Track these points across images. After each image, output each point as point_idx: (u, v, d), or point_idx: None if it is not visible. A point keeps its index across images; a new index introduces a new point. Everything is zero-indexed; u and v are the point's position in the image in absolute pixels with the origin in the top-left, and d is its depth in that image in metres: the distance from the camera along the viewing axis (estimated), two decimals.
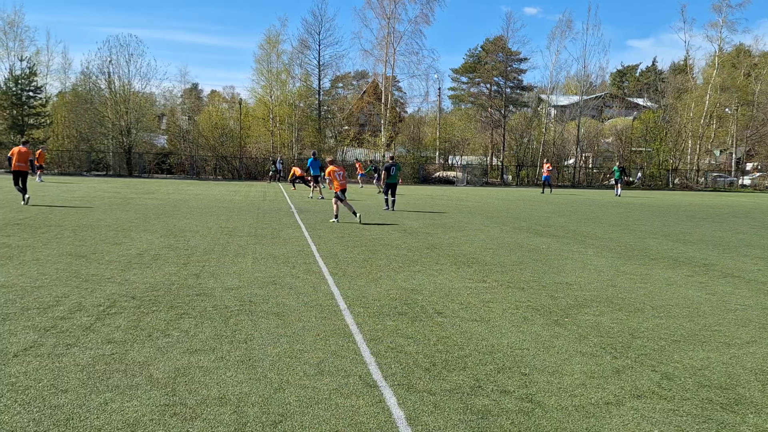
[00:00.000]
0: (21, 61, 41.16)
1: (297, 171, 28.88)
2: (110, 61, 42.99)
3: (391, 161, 18.10)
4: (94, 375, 4.05)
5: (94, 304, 5.90)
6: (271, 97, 47.16)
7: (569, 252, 10.67)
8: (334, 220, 14.52)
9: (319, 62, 48.95)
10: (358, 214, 14.61)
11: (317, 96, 49.61)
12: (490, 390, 4.03)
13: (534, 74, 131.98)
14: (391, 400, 3.80)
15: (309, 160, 24.29)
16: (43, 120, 41.67)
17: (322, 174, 21.76)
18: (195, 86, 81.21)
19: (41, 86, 42.46)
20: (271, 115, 46.98)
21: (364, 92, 54.39)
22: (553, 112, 54.85)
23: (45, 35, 73.33)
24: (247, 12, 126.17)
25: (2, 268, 7.48)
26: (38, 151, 30.66)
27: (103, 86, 44.15)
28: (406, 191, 30.73)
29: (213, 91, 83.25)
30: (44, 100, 42.63)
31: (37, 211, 14.37)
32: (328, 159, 16.06)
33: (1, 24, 41.64)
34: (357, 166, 37.52)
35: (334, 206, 14.66)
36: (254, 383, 4.01)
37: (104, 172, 43.09)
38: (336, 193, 14.82)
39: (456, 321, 5.75)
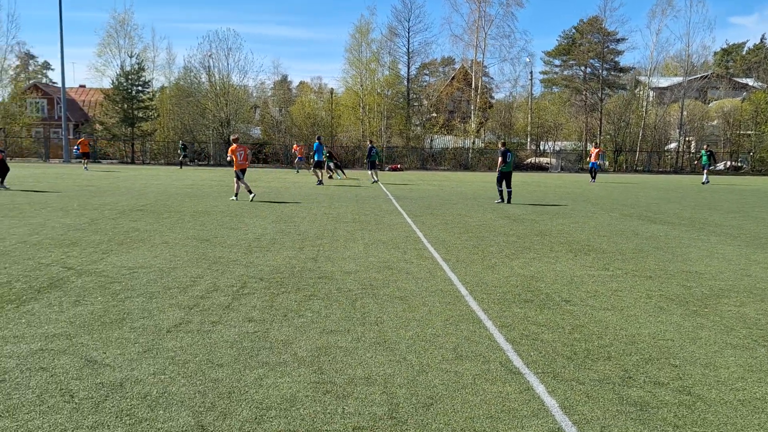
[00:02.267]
0: (130, 57, 43.94)
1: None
2: (210, 56, 44.99)
3: (503, 147, 16.56)
4: (243, 351, 4.22)
5: (228, 285, 6.17)
6: (361, 86, 47.61)
7: (690, 240, 10.05)
8: (234, 198, 15.45)
9: (408, 49, 48.89)
10: (252, 194, 15.28)
11: (406, 83, 49.58)
12: (642, 381, 3.84)
13: (633, 55, 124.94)
14: (539, 387, 3.71)
15: (315, 145, 24.19)
16: (150, 113, 44.29)
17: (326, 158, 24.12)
18: (285, 78, 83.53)
19: (148, 81, 45.12)
20: (361, 104, 47.46)
21: (453, 78, 53.77)
22: (651, 94, 51.90)
23: (150, 32, 77.92)
24: (336, 2, 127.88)
25: (138, 250, 8.00)
26: (80, 140, 32.74)
27: (203, 80, 46.34)
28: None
29: (302, 82, 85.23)
30: (151, 94, 45.25)
31: (156, 198, 15.28)
32: (232, 138, 16.06)
33: (113, 23, 44.55)
34: (295, 149, 34.17)
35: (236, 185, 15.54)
36: (396, 365, 4.04)
37: (205, 162, 45.27)
38: (236, 171, 15.38)
39: (587, 309, 5.55)
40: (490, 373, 3.93)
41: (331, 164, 27.88)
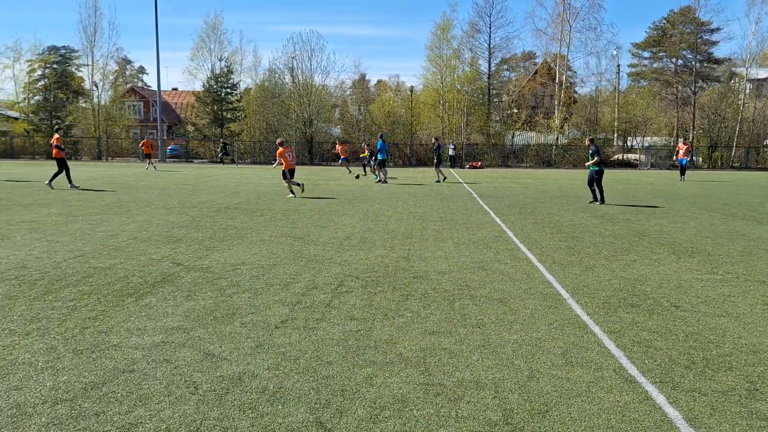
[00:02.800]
0: (220, 60, 45.90)
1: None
2: (293, 57, 46.21)
3: (590, 143, 15.73)
4: (349, 350, 4.30)
5: (325, 283, 6.31)
6: (441, 83, 47.41)
7: None
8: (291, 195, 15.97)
9: (489, 45, 48.23)
10: (295, 194, 16.08)
11: (486, 79, 48.91)
12: None
13: (729, 45, 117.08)
14: (658, 398, 3.55)
15: (379, 143, 23.56)
16: (238, 114, 46.06)
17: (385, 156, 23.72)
18: (363, 77, 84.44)
19: (236, 83, 46.93)
20: (441, 101, 47.26)
21: (535, 73, 52.52)
22: (748, 86, 48.46)
23: (238, 36, 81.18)
24: (418, 0, 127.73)
25: (238, 247, 8.33)
26: (143, 141, 33.63)
27: (287, 80, 47.66)
28: (581, 175, 29.17)
29: (379, 81, 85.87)
30: (239, 95, 47.03)
31: (248, 197, 15.86)
32: (278, 141, 16.71)
33: (205, 27, 46.65)
34: (338, 149, 31.96)
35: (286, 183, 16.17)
36: (504, 369, 3.99)
37: (249, 161, 46.63)
38: (284, 171, 16.09)
39: (699, 316, 5.26)
40: (605, 381, 3.80)
41: (368, 162, 27.33)
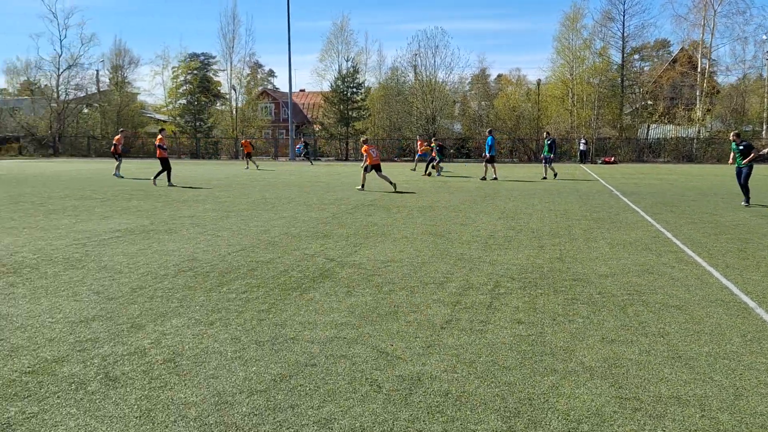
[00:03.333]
0: (347, 61, 47.22)
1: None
2: (417, 54, 46.47)
3: (737, 137, 14.13)
4: (525, 356, 4.12)
5: (480, 283, 6.16)
6: (570, 74, 45.46)
7: None
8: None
9: (622, 34, 45.50)
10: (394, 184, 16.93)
11: (618, 70, 46.17)
12: None
13: None
14: None
15: (489, 139, 22.28)
16: (363, 113, 47.16)
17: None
18: (483, 71, 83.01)
19: (362, 82, 48.03)
20: (570, 94, 45.33)
21: (674, 61, 48.76)
22: None
23: (364, 36, 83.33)
24: None
25: (383, 244, 8.40)
26: (243, 141, 33.27)
27: (410, 78, 48.05)
28: (728, 171, 26.62)
29: (500, 75, 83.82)
30: (364, 94, 48.11)
31: (381, 194, 16.09)
32: (363, 138, 17.74)
33: (333, 29, 48.26)
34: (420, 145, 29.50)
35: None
36: (703, 385, 3.61)
37: (409, 158, 46.93)
38: (367, 166, 17.04)
39: None
40: None
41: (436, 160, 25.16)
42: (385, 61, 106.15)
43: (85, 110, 55.70)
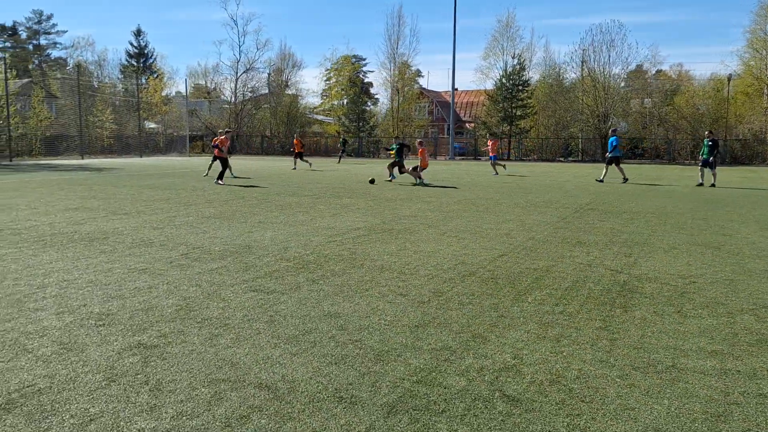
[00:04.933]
0: (513, 58, 46.05)
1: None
2: (587, 49, 44.07)
3: None
4: None
5: None
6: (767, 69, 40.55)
7: None
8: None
9: None
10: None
11: None
12: None
13: None
14: None
15: (612, 139, 20.60)
16: (528, 111, 45.72)
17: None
18: (639, 67, 76.77)
19: (527, 80, 46.57)
20: (766, 91, 40.43)
21: None
22: None
23: (530, 32, 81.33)
24: None
25: (657, 254, 7.53)
26: (295, 140, 30.93)
27: (577, 74, 45.73)
28: None
29: (659, 71, 76.78)
30: (529, 92, 46.64)
31: (590, 198, 15.04)
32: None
33: (498, 26, 47.33)
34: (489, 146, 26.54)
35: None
36: None
37: (578, 158, 44.67)
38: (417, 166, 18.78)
39: None
40: None
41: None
42: (552, 57, 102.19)
43: (256, 111, 59.82)
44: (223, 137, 19.16)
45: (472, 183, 19.80)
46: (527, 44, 51.95)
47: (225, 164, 18.88)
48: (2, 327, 4.48)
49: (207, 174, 21.26)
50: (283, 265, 6.69)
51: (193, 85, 65.17)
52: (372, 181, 18.91)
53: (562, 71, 48.10)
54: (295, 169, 27.35)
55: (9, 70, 39.29)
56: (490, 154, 25.64)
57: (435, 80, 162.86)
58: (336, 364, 3.82)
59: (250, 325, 4.58)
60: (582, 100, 43.91)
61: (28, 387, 3.43)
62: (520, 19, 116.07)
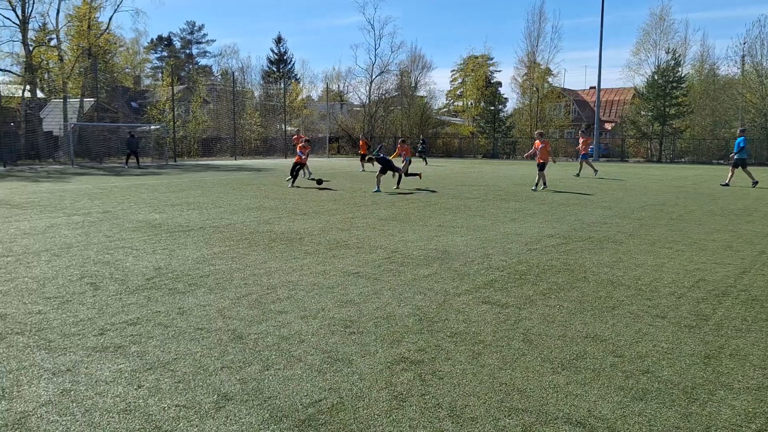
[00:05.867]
0: (666, 53, 42.64)
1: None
2: (752, 44, 39.79)
3: None
4: None
5: None
6: None
7: None
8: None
9: None
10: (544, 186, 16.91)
11: None
12: None
13: None
14: None
15: (740, 140, 18.25)
16: (683, 109, 42.12)
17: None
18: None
19: (683, 76, 42.95)
20: None
21: None
22: None
23: (684, 25, 75.31)
24: None
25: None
26: (361, 142, 28.55)
27: (738, 69, 41.46)
28: None
29: None
30: (685, 90, 42.99)
31: (748, 203, 13.30)
32: (537, 132, 18.24)
33: (650, 20, 44.16)
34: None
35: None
36: None
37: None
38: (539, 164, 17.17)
39: None
40: None
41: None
42: (711, 51, 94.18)
43: (387, 113, 60.49)
44: (302, 144, 18.46)
45: (640, 187, 18.33)
46: (681, 38, 47.83)
47: (300, 169, 18.25)
48: (257, 329, 4.46)
49: (292, 182, 18.15)
50: (497, 274, 6.29)
51: (329, 90, 67.44)
52: (319, 182, 17.87)
53: (716, 67, 43.89)
54: (362, 170, 26.28)
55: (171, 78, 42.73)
56: (581, 153, 23.74)
57: (570, 78, 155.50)
58: (641, 399, 3.32)
59: (508, 344, 4.20)
60: (747, 97, 39.67)
61: (319, 401, 3.27)
62: (675, 12, 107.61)
